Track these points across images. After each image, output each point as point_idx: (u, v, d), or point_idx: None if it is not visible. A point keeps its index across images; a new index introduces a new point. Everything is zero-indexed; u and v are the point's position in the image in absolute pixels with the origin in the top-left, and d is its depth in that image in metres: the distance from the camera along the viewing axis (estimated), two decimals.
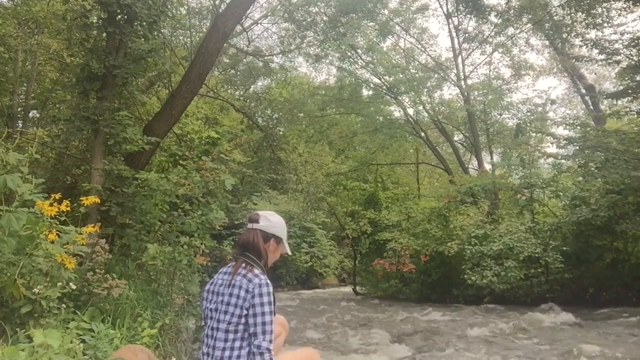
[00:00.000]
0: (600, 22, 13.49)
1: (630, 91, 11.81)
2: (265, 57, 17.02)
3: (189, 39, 12.54)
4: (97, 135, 6.42)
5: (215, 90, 13.63)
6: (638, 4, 12.46)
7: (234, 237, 13.73)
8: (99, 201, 5.28)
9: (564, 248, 11.75)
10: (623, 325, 8.20)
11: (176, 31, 13.48)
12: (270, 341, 2.30)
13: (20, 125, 11.45)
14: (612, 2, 12.96)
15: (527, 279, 11.83)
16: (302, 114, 18.90)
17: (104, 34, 6.90)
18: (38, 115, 12.49)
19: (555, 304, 10.53)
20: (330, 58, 17.79)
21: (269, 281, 2.40)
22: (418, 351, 6.61)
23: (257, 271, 2.41)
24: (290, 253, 2.61)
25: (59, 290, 3.62)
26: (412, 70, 17.91)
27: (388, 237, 15.18)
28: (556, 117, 18.71)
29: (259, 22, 16.16)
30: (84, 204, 4.17)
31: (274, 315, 2.39)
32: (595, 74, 19.68)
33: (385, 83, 18.05)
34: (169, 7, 7.99)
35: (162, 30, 8.61)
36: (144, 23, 6.88)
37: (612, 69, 15.56)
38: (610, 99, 14.75)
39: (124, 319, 4.42)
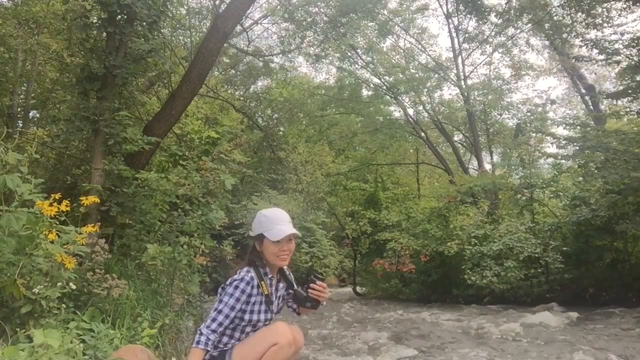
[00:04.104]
0: (600, 22, 13.48)
1: (630, 91, 11.79)
2: (265, 57, 17.02)
3: (189, 39, 12.52)
4: (97, 135, 6.42)
5: (215, 90, 13.63)
6: (638, 4, 12.45)
7: (233, 237, 13.73)
8: (99, 201, 5.28)
9: (564, 248, 11.74)
10: (623, 326, 8.20)
11: (176, 31, 13.47)
12: (208, 327, 2.45)
13: (20, 125, 11.43)
14: (612, 2, 12.95)
15: (527, 279, 11.82)
16: (302, 114, 18.90)
17: (104, 34, 6.90)
18: (38, 115, 12.47)
19: (555, 304, 10.53)
20: (330, 58, 17.79)
21: (248, 277, 2.52)
22: (418, 351, 6.61)
23: (246, 268, 2.57)
24: (276, 238, 2.52)
25: (59, 290, 3.62)
26: (412, 70, 17.91)
27: (388, 237, 15.16)
28: (556, 117, 18.69)
29: (259, 22, 16.18)
30: (84, 204, 4.17)
31: (233, 310, 2.48)
32: (595, 74, 19.68)
33: (385, 83, 18.06)
34: (169, 7, 7.99)
35: (162, 30, 8.61)
36: (144, 23, 6.89)
37: (612, 69, 15.55)
38: (610, 99, 14.75)
39: (124, 319, 4.42)
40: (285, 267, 2.77)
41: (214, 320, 2.45)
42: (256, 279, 2.54)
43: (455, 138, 21.15)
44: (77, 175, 8.40)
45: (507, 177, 15.89)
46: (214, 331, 2.43)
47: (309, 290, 2.67)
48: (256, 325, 2.60)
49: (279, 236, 2.52)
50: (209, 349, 2.43)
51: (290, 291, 2.79)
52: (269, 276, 2.63)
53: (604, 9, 13.33)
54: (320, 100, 19.11)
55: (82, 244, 3.89)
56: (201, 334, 2.43)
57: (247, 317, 2.55)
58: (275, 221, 2.58)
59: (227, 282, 2.55)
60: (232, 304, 2.47)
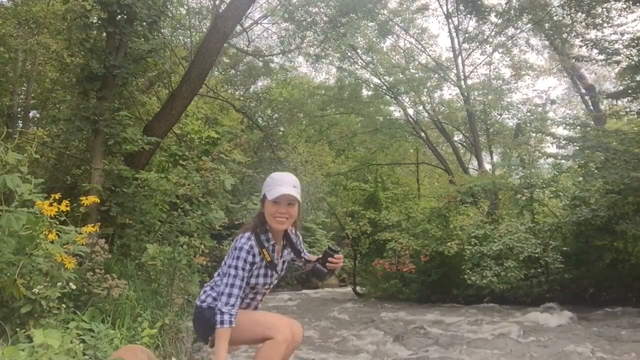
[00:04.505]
0: (600, 22, 13.48)
1: (630, 91, 11.78)
2: (265, 57, 17.02)
3: (189, 39, 12.52)
4: (97, 135, 6.43)
5: (215, 90, 13.63)
6: (638, 4, 12.45)
7: (233, 237, 13.72)
8: (99, 201, 5.29)
9: (564, 248, 11.73)
10: (623, 326, 8.20)
11: (176, 31, 13.47)
12: (227, 304, 2.45)
13: (20, 125, 11.45)
14: (612, 2, 12.95)
15: (527, 279, 11.82)
16: (302, 114, 18.89)
17: (104, 34, 6.91)
18: (38, 115, 12.48)
19: (555, 304, 10.53)
20: (330, 58, 17.79)
21: (247, 246, 2.51)
22: (418, 351, 6.61)
23: (247, 234, 2.56)
24: (271, 197, 2.50)
25: (59, 290, 3.62)
26: (412, 70, 17.90)
27: (388, 237, 15.13)
28: (556, 117, 18.67)
29: (259, 22, 16.19)
30: (84, 204, 4.17)
31: (243, 280, 2.49)
32: (595, 74, 19.67)
33: (385, 83, 18.04)
34: (169, 7, 8.00)
35: (162, 30, 8.62)
36: (144, 23, 6.90)
37: (612, 69, 15.55)
38: (610, 99, 14.74)
39: (124, 319, 4.43)
40: (292, 233, 2.76)
41: (230, 295, 2.46)
42: (256, 247, 2.53)
43: (455, 138, 21.14)
44: (77, 175, 8.41)
45: (507, 177, 15.87)
46: (233, 306, 2.46)
47: (328, 264, 2.69)
48: (255, 288, 2.63)
49: (275, 195, 2.50)
50: (234, 325, 2.45)
51: (309, 264, 2.79)
52: (271, 242, 2.61)
53: (604, 9, 13.32)
54: (320, 100, 19.10)
55: (82, 244, 3.89)
56: (223, 313, 2.43)
57: (246, 280, 2.58)
58: (278, 182, 2.55)
59: (230, 249, 2.58)
60: (242, 275, 2.49)
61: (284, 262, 2.74)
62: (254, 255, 2.51)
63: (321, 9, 14.83)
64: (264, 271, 2.60)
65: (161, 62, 7.69)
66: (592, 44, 12.32)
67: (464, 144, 21.85)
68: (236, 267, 2.48)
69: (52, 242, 3.54)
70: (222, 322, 2.42)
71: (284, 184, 2.53)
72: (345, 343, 7.37)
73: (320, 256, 2.74)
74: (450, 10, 17.88)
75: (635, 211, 10.61)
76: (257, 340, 2.57)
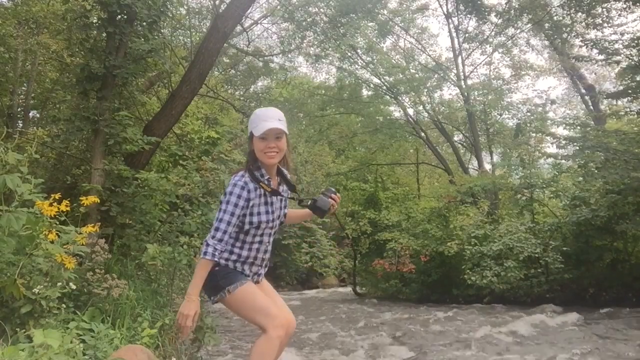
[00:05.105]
0: (600, 22, 13.49)
1: (630, 91, 11.79)
2: (265, 57, 17.04)
3: (189, 39, 12.53)
4: (97, 135, 6.43)
5: (215, 90, 13.63)
6: (638, 4, 12.45)
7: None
8: (99, 201, 5.28)
9: (564, 248, 11.73)
10: (623, 326, 8.20)
11: (176, 31, 13.47)
12: (213, 237, 2.46)
13: (20, 125, 11.44)
14: (612, 2, 12.95)
15: (527, 279, 11.83)
16: (302, 114, 18.90)
17: (104, 34, 6.91)
18: (38, 115, 12.48)
19: (555, 304, 10.53)
20: (330, 58, 17.80)
21: (242, 182, 2.51)
22: (418, 351, 6.61)
23: (240, 172, 2.57)
24: (258, 133, 2.48)
25: (59, 290, 3.62)
26: (412, 71, 17.91)
27: (388, 237, 15.15)
28: (556, 117, 18.70)
29: (259, 22, 16.21)
30: (84, 204, 4.17)
31: (234, 216, 2.47)
32: (595, 74, 19.67)
33: (385, 83, 18.06)
34: (169, 7, 8.00)
35: (162, 30, 8.61)
36: (144, 23, 6.90)
37: (612, 69, 15.56)
38: (610, 99, 14.76)
39: (124, 319, 4.42)
40: (285, 171, 2.76)
41: (217, 229, 2.46)
42: (251, 182, 2.52)
43: (455, 138, 21.15)
44: (77, 175, 8.42)
45: (507, 177, 15.88)
46: (220, 240, 2.45)
47: (330, 200, 2.76)
48: (259, 227, 2.60)
49: (262, 130, 2.48)
50: (216, 259, 2.45)
51: (312, 199, 2.79)
52: (266, 177, 2.60)
53: (604, 9, 13.32)
54: (320, 100, 19.11)
55: (82, 244, 3.89)
56: (207, 245, 2.44)
57: (247, 219, 2.56)
58: (263, 118, 2.53)
59: (229, 184, 2.58)
60: (232, 210, 2.47)
61: (281, 199, 2.73)
62: (249, 191, 2.50)
63: (321, 9, 14.85)
64: (265, 208, 2.59)
65: (161, 62, 7.69)
66: (592, 44, 12.32)
67: (464, 144, 21.86)
68: (228, 202, 2.47)
69: (52, 242, 3.53)
70: (204, 253, 2.43)
71: (268, 118, 2.51)
72: (344, 343, 7.37)
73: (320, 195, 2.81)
74: (450, 10, 17.90)
75: (635, 211, 10.61)
76: (249, 321, 2.62)
